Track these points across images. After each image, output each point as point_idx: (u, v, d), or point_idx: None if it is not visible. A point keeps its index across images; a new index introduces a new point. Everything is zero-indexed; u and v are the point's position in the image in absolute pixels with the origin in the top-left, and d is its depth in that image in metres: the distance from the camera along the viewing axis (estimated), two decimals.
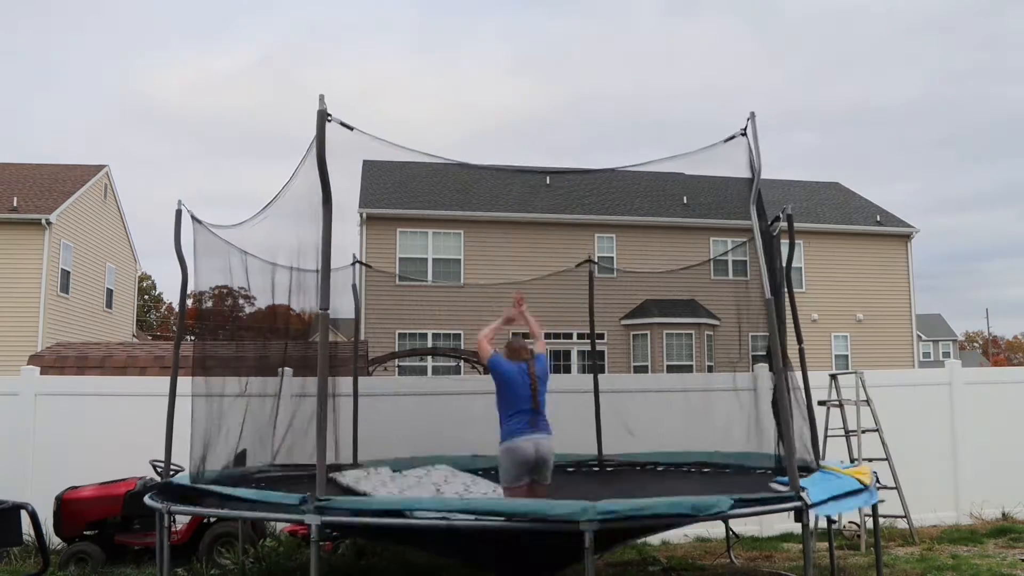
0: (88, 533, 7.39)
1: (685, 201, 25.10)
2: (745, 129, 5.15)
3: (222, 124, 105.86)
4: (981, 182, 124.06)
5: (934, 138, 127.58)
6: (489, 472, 7.03)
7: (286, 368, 8.03)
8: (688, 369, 21.97)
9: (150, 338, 41.93)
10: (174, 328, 8.05)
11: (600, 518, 4.26)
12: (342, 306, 8.78)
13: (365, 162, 24.33)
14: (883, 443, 8.09)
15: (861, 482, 5.26)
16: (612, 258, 23.58)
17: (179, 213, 6.44)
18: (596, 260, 8.16)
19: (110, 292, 26.13)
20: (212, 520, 7.35)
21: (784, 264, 6.58)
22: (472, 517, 4.50)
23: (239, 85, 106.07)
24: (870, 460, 7.80)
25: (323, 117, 4.64)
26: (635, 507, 4.35)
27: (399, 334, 22.14)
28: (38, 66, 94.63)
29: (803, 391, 6.49)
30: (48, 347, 14.89)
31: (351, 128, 4.75)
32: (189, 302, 7.16)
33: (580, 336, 22.04)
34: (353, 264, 8.92)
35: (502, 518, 4.53)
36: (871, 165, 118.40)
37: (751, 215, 4.90)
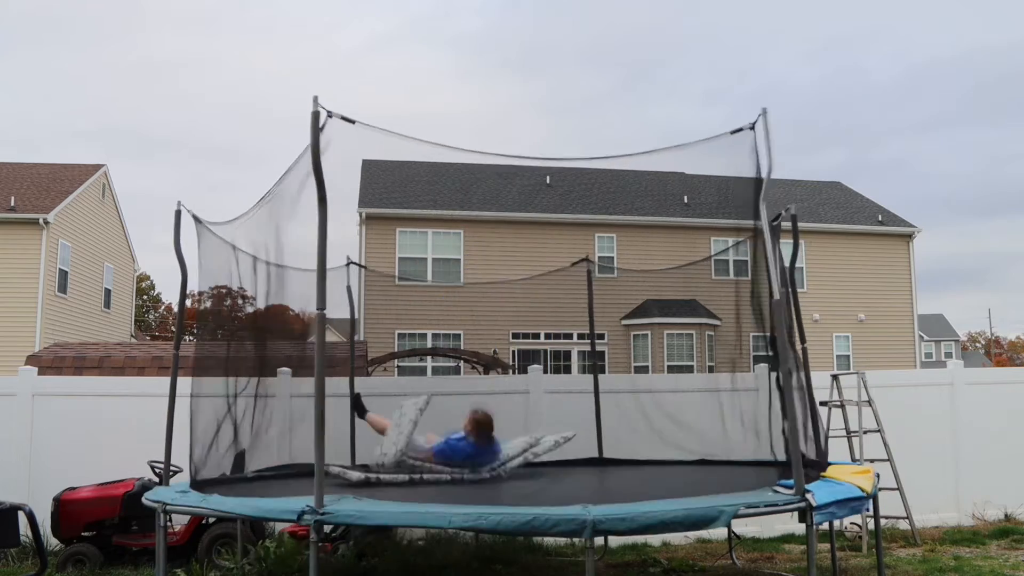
0: (86, 534, 7.34)
1: (686, 201, 25.07)
2: (754, 124, 5.07)
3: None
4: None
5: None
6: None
7: (285, 369, 8.01)
8: (689, 369, 21.95)
9: (148, 338, 41.94)
10: (173, 328, 8.02)
11: (603, 529, 4.25)
12: (339, 307, 8.74)
13: (364, 161, 24.29)
14: (885, 444, 8.05)
15: (862, 490, 5.23)
16: (612, 258, 23.55)
17: (179, 213, 6.41)
18: (595, 260, 8.12)
19: (108, 292, 26.09)
20: (211, 521, 7.32)
21: (788, 264, 6.53)
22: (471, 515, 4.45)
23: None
24: (872, 461, 7.76)
25: (316, 117, 4.59)
26: (640, 522, 4.32)
27: (398, 334, 22.11)
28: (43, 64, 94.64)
29: (807, 391, 6.46)
30: (46, 347, 14.85)
31: (353, 122, 4.71)
32: (188, 302, 7.13)
33: (580, 336, 22.02)
34: (347, 265, 8.87)
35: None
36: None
37: (760, 213, 4.82)
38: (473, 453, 6.75)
